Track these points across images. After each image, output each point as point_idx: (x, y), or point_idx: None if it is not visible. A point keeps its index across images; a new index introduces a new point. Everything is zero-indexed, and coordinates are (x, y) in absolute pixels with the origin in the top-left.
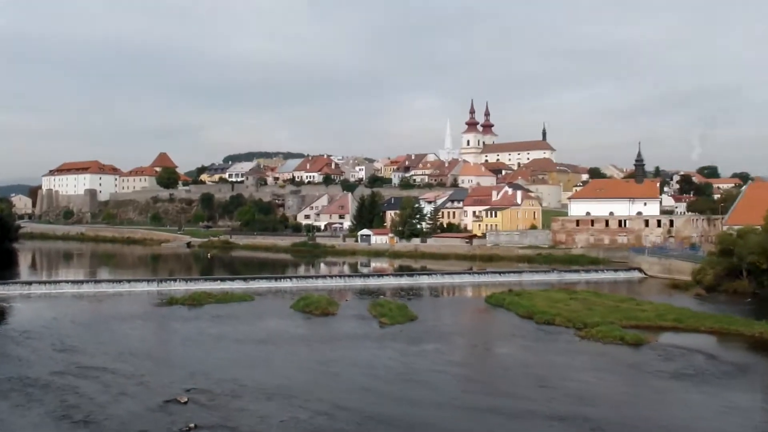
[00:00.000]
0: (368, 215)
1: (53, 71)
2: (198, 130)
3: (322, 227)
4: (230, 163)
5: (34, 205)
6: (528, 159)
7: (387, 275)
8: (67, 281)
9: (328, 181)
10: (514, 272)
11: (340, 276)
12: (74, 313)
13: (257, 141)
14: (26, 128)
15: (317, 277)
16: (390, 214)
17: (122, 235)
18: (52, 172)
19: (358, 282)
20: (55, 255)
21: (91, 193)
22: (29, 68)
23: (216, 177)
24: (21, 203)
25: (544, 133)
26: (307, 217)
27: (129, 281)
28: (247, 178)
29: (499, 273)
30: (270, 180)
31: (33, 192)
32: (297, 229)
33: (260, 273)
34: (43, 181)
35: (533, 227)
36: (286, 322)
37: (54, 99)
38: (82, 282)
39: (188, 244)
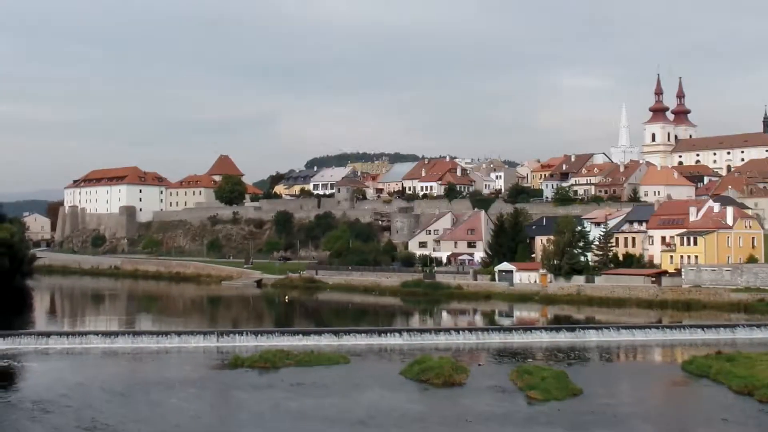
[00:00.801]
0: (509, 242)
1: (78, 47)
2: (270, 124)
3: (444, 259)
4: (315, 169)
5: (53, 227)
6: (742, 160)
7: (537, 329)
8: (96, 333)
9: (451, 193)
10: (724, 326)
11: (469, 330)
12: (106, 376)
13: (352, 138)
14: (43, 123)
15: (437, 330)
16: (540, 241)
17: (169, 269)
18: (77, 183)
19: (496, 338)
20: (81, 296)
21: (129, 212)
22: (48, 44)
23: (296, 189)
24: (36, 225)
25: (766, 123)
26: (422, 245)
27: (179, 334)
28: (338, 191)
29: (702, 328)
30: (370, 192)
31: (52, 209)
32: (408, 262)
33: (357, 324)
34: (66, 195)
35: (752, 260)
36: (394, 394)
37: (80, 85)
38: (116, 334)
39: (258, 283)
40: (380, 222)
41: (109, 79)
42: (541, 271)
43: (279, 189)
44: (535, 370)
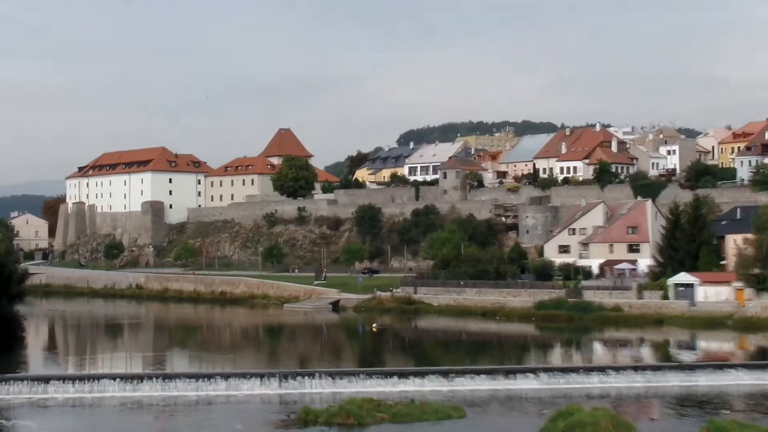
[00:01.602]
0: (688, 245)
1: None
2: (350, 85)
3: (595, 270)
4: (411, 146)
5: (51, 232)
6: None
7: (733, 367)
8: (112, 377)
9: (604, 177)
10: None
11: (634, 368)
12: None
13: (462, 103)
14: (37, 85)
15: (588, 370)
16: (734, 242)
17: (211, 288)
18: (83, 171)
19: (673, 380)
20: (91, 327)
21: (155, 210)
22: None
23: (384, 174)
24: (29, 229)
25: None
26: (563, 249)
27: (225, 377)
28: (444, 176)
29: None
30: (489, 177)
31: (50, 208)
32: (543, 273)
33: (475, 362)
34: (68, 188)
35: None
36: None
37: (85, 33)
38: (140, 378)
39: (334, 306)
40: (503, 219)
41: (124, 20)
42: (736, 284)
43: (361, 175)
44: (734, 426)
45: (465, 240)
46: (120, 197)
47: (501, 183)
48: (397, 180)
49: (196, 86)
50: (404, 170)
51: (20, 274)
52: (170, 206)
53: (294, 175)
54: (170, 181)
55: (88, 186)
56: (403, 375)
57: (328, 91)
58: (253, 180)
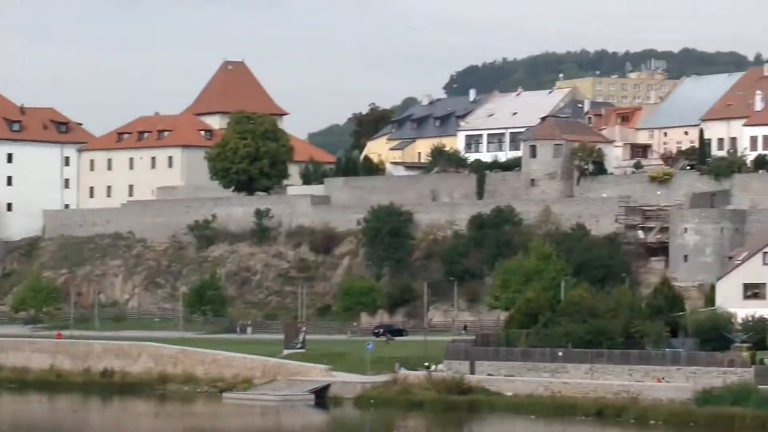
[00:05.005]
0: None
1: None
2: None
3: None
4: (472, 97)
5: None
6: None
7: None
8: None
9: None
10: None
11: None
12: None
13: (563, 12)
14: None
15: None
16: None
17: (84, 365)
18: None
19: None
20: None
21: None
22: None
23: (421, 148)
24: None
25: None
26: (753, 292)
27: None
28: (532, 152)
29: None
30: (615, 154)
31: None
32: (714, 337)
33: None
34: None
35: None
36: None
37: None
38: None
39: (320, 395)
40: (641, 233)
41: None
42: None
43: (377, 150)
44: None
45: (569, 274)
46: None
47: (639, 166)
48: (443, 160)
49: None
50: (458, 141)
51: None
52: (7, 207)
53: (250, 149)
54: (8, 158)
55: None
56: None
57: None
58: (170, 158)
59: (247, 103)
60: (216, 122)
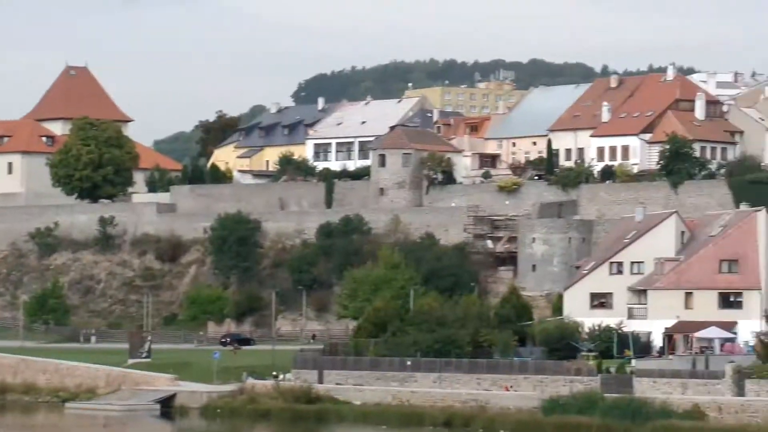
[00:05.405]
0: None
1: None
2: None
3: (656, 339)
4: (320, 105)
5: None
6: None
7: None
8: None
9: (678, 165)
10: None
11: None
12: None
13: (413, 22)
14: None
15: None
16: None
17: None
18: None
19: None
20: None
21: None
22: None
23: (269, 156)
24: None
25: None
26: (599, 302)
27: None
28: (381, 161)
29: None
30: (464, 164)
31: None
32: (561, 346)
33: None
34: None
35: None
36: None
37: None
38: None
39: (165, 405)
40: (490, 243)
41: None
42: None
43: (224, 157)
44: None
45: (418, 283)
46: None
47: (488, 176)
48: (292, 168)
49: None
50: (306, 150)
51: None
52: None
53: (93, 155)
54: None
55: None
56: None
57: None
58: (10, 165)
59: (90, 109)
60: (58, 128)
